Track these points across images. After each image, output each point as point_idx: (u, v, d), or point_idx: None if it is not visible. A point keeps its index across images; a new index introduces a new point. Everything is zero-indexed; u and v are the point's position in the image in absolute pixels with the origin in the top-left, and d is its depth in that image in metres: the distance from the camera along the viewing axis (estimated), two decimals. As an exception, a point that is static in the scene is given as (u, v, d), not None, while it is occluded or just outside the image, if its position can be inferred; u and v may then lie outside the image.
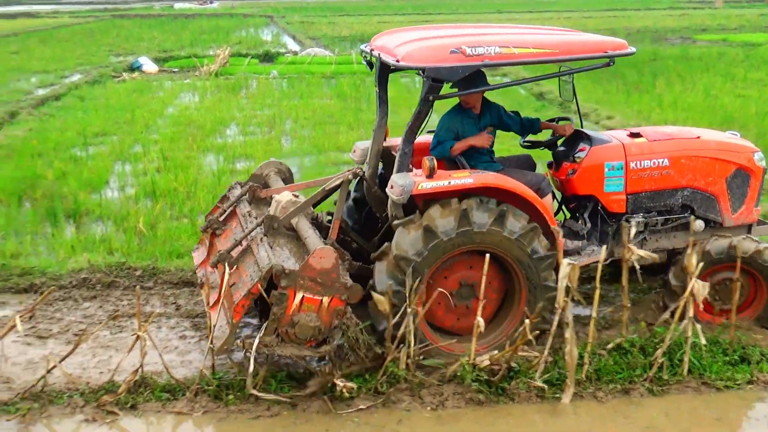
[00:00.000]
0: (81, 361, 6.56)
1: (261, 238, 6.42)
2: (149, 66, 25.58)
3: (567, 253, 6.87)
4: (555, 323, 6.05)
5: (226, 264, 6.29)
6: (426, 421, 5.79)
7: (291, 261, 6.23)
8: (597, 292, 6.16)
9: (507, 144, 9.31)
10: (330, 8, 63.79)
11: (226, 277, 6.23)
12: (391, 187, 6.35)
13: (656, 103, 17.21)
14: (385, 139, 7.29)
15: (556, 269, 6.21)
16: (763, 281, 7.01)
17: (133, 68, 25.41)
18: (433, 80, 6.27)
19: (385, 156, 7.26)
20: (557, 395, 6.01)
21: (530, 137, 7.57)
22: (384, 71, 7.16)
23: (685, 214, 7.28)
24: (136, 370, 6.03)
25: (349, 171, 7.00)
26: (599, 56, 6.59)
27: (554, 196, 7.25)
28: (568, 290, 5.95)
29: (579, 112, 7.51)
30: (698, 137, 7.43)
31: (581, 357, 6.10)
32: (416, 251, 6.14)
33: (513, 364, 6.11)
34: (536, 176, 7.10)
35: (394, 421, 5.76)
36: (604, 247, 6.54)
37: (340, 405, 5.89)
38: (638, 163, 7.07)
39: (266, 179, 7.64)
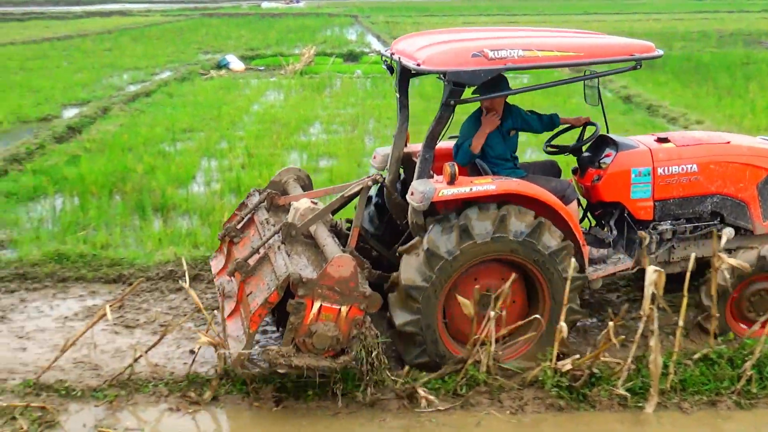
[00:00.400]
0: (166, 351, 6.70)
1: (278, 246, 6.28)
2: (236, 64, 25.99)
3: (592, 262, 6.80)
4: (639, 331, 5.92)
5: (243, 273, 6.20)
6: (505, 424, 5.72)
7: (309, 269, 6.10)
8: (684, 300, 5.99)
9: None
10: (415, 8, 63.85)
11: (243, 286, 6.17)
12: (412, 194, 6.19)
13: (749, 108, 16.66)
14: (406, 145, 7.13)
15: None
16: None
17: (221, 66, 25.85)
18: (455, 84, 6.09)
19: (406, 162, 7.09)
20: (640, 404, 5.85)
21: (555, 142, 7.40)
22: (405, 76, 6.99)
23: (715, 221, 7.03)
24: (220, 362, 6.12)
25: (368, 177, 6.83)
26: (626, 59, 6.39)
27: (579, 203, 7.14)
28: (653, 298, 5.81)
29: (605, 118, 7.21)
30: (728, 142, 7.18)
31: (666, 366, 5.93)
32: (447, 250, 6.03)
33: (595, 370, 5.97)
34: (561, 182, 6.93)
35: (472, 423, 5.71)
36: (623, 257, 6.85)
37: (418, 404, 5.85)
38: (666, 169, 6.85)
39: (285, 186, 7.50)
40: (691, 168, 6.86)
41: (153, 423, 5.81)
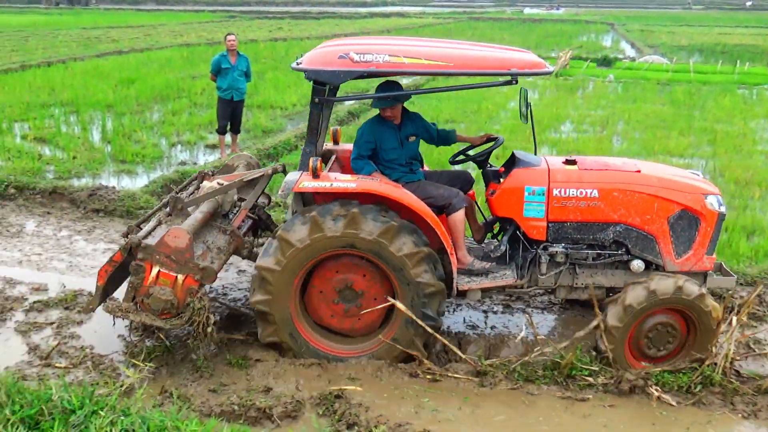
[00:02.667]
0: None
1: (163, 217, 6.41)
2: (497, 64, 25.92)
3: (471, 273, 6.28)
4: None
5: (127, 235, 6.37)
6: (736, 425, 5.32)
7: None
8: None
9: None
10: (671, 18, 60.52)
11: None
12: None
13: None
14: (337, 142, 7.18)
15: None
16: (698, 329, 5.87)
17: (483, 65, 25.91)
18: (315, 83, 5.93)
19: (326, 159, 6.77)
20: None
21: (461, 156, 6.83)
22: None
23: (620, 252, 6.22)
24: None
25: (271, 167, 6.68)
26: (501, 73, 5.81)
27: (484, 215, 6.73)
28: None
29: (534, 136, 6.49)
30: (638, 171, 6.27)
31: None
32: (299, 239, 5.74)
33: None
34: (450, 191, 6.30)
35: (704, 421, 5.35)
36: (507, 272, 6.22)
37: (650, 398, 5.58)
38: (562, 190, 6.10)
39: (235, 169, 7.40)
40: (591, 193, 6.09)
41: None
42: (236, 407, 5.20)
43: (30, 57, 25.02)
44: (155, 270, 5.88)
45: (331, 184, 5.85)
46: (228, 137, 12.78)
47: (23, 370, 5.67)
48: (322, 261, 5.93)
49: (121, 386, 4.95)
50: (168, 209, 6.58)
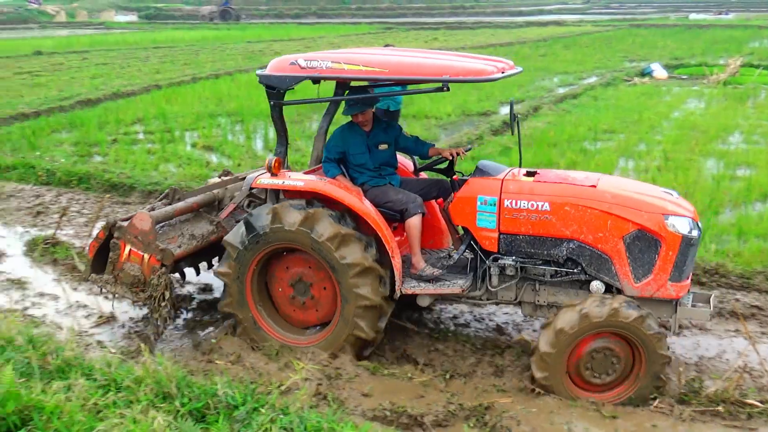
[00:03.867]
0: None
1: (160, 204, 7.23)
2: (660, 72, 24.96)
3: (421, 279, 6.24)
4: None
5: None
6: None
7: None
8: None
9: None
10: None
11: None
12: None
13: None
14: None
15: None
16: (644, 354, 5.45)
17: (644, 74, 25.01)
18: (266, 86, 6.33)
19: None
20: None
21: (424, 162, 6.99)
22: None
23: (575, 270, 5.93)
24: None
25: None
26: (432, 80, 5.78)
27: (450, 223, 6.46)
28: None
29: (520, 149, 6.28)
30: (594, 186, 5.90)
31: None
32: (261, 226, 6.15)
33: None
34: (408, 197, 6.34)
35: None
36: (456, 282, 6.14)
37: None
38: (514, 202, 5.93)
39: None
40: (542, 206, 5.86)
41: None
42: (388, 413, 5.27)
43: (200, 70, 26.55)
44: (128, 248, 6.67)
45: (283, 182, 6.23)
46: (383, 146, 13.00)
47: (189, 365, 6.02)
48: (281, 253, 6.35)
49: (281, 385, 5.14)
50: (167, 199, 7.40)
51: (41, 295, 7.73)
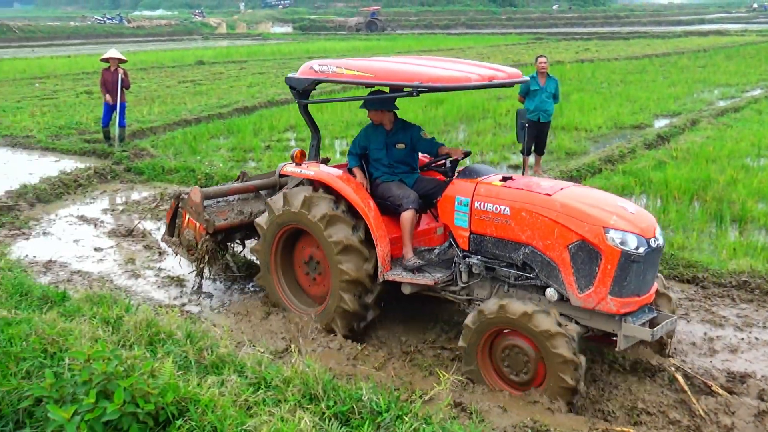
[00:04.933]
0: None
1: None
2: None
3: (406, 268, 6.60)
4: None
5: None
6: None
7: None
8: None
9: None
10: None
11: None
12: None
13: None
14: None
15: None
16: (542, 353, 5.52)
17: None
18: (290, 87, 7.32)
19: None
20: None
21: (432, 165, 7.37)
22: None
23: (532, 275, 6.08)
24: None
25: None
26: (405, 85, 6.18)
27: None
28: None
29: (524, 155, 6.86)
30: (548, 194, 5.96)
31: None
32: (277, 208, 7.13)
33: None
34: (405, 193, 6.87)
35: None
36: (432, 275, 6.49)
37: None
38: (482, 204, 6.26)
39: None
40: (504, 210, 6.13)
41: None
42: (530, 430, 5.16)
43: (351, 79, 27.16)
44: (187, 217, 8.10)
45: (301, 171, 7.17)
46: (532, 158, 12.84)
47: (334, 369, 6.15)
48: (302, 233, 7.18)
49: (424, 394, 5.14)
50: (239, 181, 8.64)
51: (198, 293, 8.13)
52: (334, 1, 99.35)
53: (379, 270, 6.62)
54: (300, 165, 7.19)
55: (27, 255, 9.20)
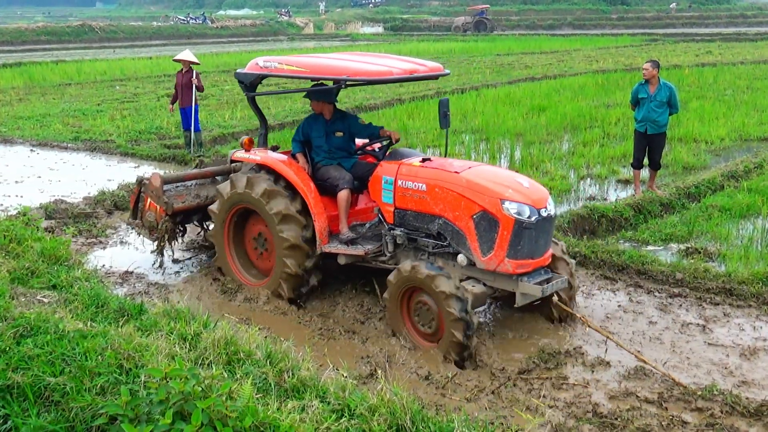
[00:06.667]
0: None
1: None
2: None
3: (341, 242, 8.00)
4: None
5: None
6: None
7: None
8: None
9: None
10: None
11: None
12: None
13: None
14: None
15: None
16: (440, 311, 6.84)
17: None
18: (239, 81, 8.72)
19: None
20: None
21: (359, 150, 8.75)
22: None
23: (446, 244, 7.44)
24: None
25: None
26: (334, 78, 7.64)
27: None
28: None
29: (447, 141, 8.57)
30: (457, 172, 7.33)
31: None
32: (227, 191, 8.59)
33: None
34: (341, 175, 8.22)
35: None
36: (361, 248, 7.90)
37: None
38: (404, 182, 7.62)
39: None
40: (421, 187, 7.49)
41: None
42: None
43: (444, 83, 27.20)
44: (149, 200, 9.53)
45: (248, 156, 8.59)
46: (645, 172, 12.53)
47: (422, 398, 6.12)
48: (252, 213, 8.55)
49: (519, 430, 5.07)
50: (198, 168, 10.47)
51: (274, 308, 8.25)
52: (428, 0, 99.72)
53: (318, 243, 7.98)
54: (248, 151, 8.60)
55: (104, 265, 9.54)
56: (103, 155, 16.56)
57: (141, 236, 10.07)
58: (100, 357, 5.01)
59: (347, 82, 7.59)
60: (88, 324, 5.79)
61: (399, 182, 7.64)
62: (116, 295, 7.38)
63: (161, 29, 69.17)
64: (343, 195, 8.05)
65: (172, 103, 16.32)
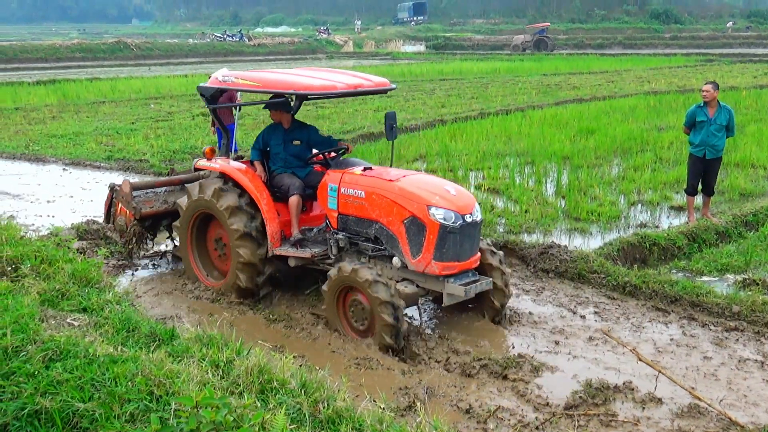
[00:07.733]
0: None
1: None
2: None
3: (291, 245, 8.81)
4: None
5: None
6: None
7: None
8: None
9: None
10: None
11: None
12: None
13: None
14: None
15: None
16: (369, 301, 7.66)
17: None
18: (200, 94, 9.57)
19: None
20: None
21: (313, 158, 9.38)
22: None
23: (382, 247, 8.25)
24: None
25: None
26: (282, 93, 8.65)
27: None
28: None
29: (392, 152, 9.43)
30: (392, 180, 8.10)
31: None
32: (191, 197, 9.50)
33: None
34: (292, 182, 8.95)
35: None
36: (309, 251, 8.73)
37: None
38: (346, 189, 8.40)
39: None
40: (360, 194, 8.28)
41: None
42: None
43: (489, 104, 27.23)
44: (119, 205, 10.51)
45: (210, 164, 9.40)
46: (699, 199, 12.40)
47: (461, 431, 6.08)
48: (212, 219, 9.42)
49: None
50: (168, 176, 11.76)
51: (307, 335, 8.27)
52: (471, 18, 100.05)
53: (269, 246, 8.79)
54: (210, 160, 9.40)
55: (135, 288, 9.64)
56: (136, 175, 16.78)
57: (114, 239, 11.14)
58: (130, 383, 5.04)
59: (299, 97, 8.51)
60: (119, 348, 5.84)
61: (342, 189, 8.43)
62: (148, 320, 7.45)
63: (197, 47, 70.22)
64: (294, 200, 8.82)
65: (213, 125, 16.33)
